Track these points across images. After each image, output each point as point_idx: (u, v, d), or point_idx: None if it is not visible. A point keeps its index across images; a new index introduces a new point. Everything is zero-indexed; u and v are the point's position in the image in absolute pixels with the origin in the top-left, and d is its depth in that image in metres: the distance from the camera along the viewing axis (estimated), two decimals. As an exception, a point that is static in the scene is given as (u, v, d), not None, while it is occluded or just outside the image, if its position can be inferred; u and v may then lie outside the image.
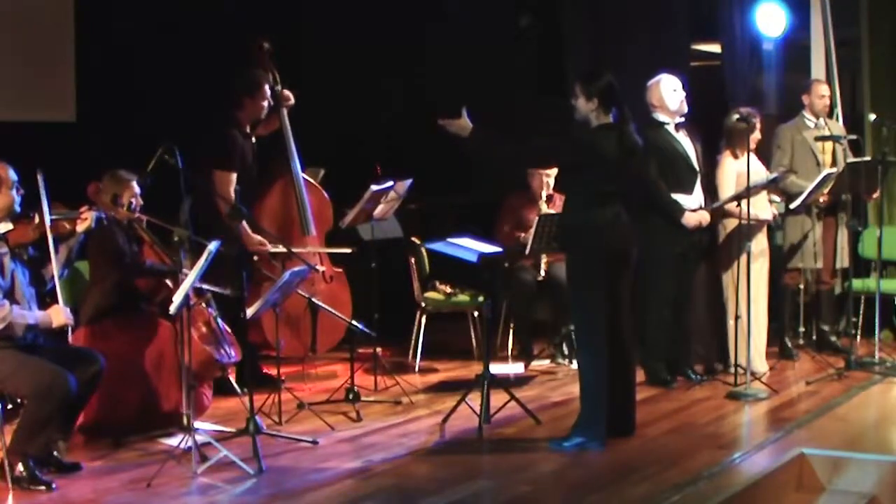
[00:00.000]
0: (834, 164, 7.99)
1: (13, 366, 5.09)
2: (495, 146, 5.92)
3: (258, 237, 6.98)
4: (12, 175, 5.25)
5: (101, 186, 6.00)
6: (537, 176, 7.91)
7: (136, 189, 6.00)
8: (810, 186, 7.64)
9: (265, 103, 7.10)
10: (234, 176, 6.85)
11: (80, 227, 5.46)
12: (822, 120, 8.08)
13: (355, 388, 6.72)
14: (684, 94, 7.14)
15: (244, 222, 6.69)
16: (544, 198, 7.89)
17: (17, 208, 5.28)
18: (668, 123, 7.11)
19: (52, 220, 5.32)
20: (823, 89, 8.13)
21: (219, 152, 6.89)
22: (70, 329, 5.39)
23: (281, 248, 6.94)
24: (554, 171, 7.85)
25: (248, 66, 7.20)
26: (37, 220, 5.29)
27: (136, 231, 6.13)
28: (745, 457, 5.57)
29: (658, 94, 7.11)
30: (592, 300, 5.74)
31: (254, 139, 7.18)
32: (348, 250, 7.32)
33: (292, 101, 7.35)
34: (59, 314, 5.28)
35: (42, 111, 7.77)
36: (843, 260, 8.10)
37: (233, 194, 6.76)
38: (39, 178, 5.27)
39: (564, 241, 6.08)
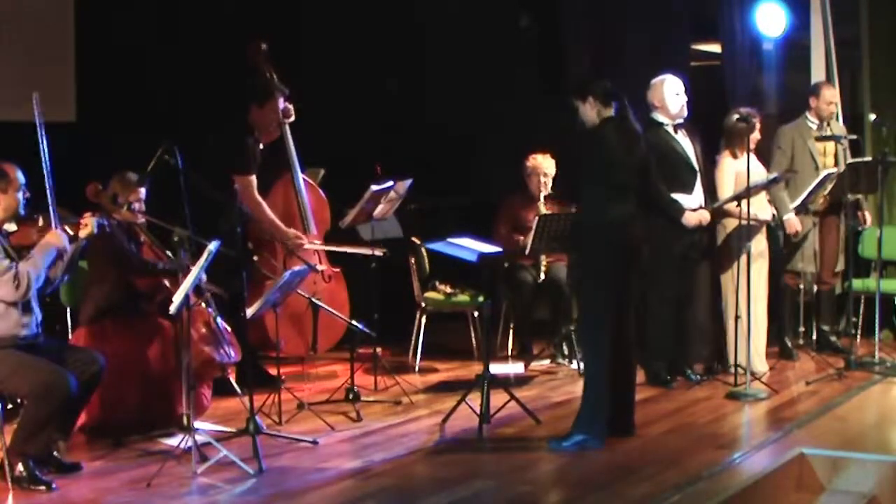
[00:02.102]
0: (836, 164, 7.98)
1: (13, 366, 5.09)
2: None
3: (293, 230, 7.11)
4: (20, 177, 5.27)
5: (101, 187, 6.01)
6: (534, 177, 7.91)
7: (142, 193, 6.01)
8: (810, 186, 7.64)
9: (274, 116, 7.14)
10: (254, 178, 7.00)
11: (83, 233, 5.46)
12: (824, 123, 8.06)
13: (355, 388, 6.73)
14: (686, 98, 7.13)
15: (273, 217, 7.00)
16: (542, 198, 7.88)
17: (22, 211, 5.28)
18: (666, 124, 7.10)
19: (57, 225, 5.31)
20: (832, 95, 8.05)
21: (236, 157, 6.98)
22: (67, 244, 5.31)
23: (317, 245, 7.02)
24: (552, 172, 7.86)
25: (259, 75, 7.20)
26: (40, 223, 5.29)
27: (136, 232, 6.14)
28: (745, 457, 5.57)
29: (660, 95, 7.10)
30: (603, 298, 5.75)
31: (261, 146, 7.23)
32: (380, 252, 7.14)
33: (293, 116, 7.34)
34: (56, 236, 5.21)
35: (42, 111, 7.76)
36: (840, 262, 8.10)
37: (257, 196, 6.85)
38: (48, 184, 5.26)
39: (578, 240, 6.07)
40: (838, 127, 8.37)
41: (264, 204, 7.06)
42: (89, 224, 5.47)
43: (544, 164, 7.87)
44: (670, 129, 7.10)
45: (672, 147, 7.05)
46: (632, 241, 5.83)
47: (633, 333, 5.97)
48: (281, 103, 7.15)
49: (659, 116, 7.11)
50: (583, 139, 5.90)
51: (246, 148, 7.02)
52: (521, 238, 7.64)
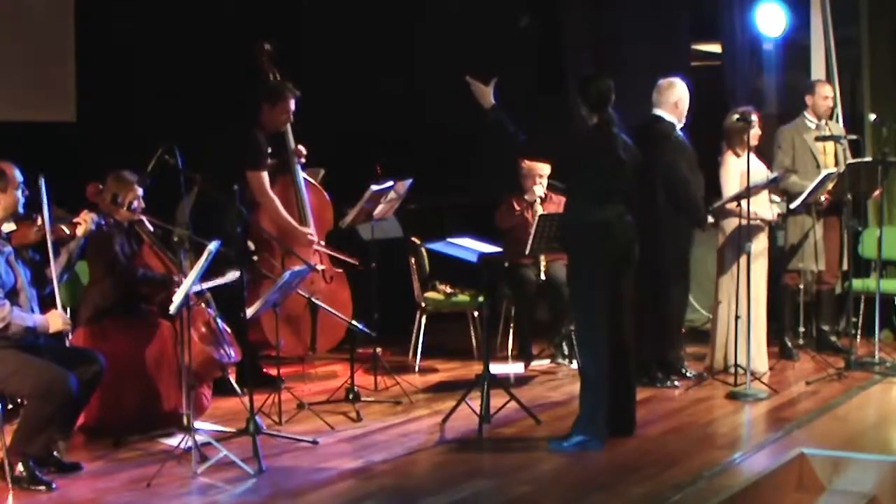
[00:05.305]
0: (836, 164, 7.98)
1: (13, 366, 5.09)
2: (506, 128, 5.97)
3: (306, 229, 7.19)
4: (18, 175, 5.27)
5: (101, 187, 6.01)
6: (529, 179, 7.91)
7: (139, 191, 6.02)
8: (810, 186, 7.64)
9: (284, 116, 7.16)
10: (266, 174, 7.04)
11: (79, 231, 5.47)
12: (823, 121, 8.06)
13: (355, 388, 6.73)
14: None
15: (285, 213, 7.06)
16: (538, 200, 7.89)
17: (21, 209, 5.29)
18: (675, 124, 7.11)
19: (51, 225, 5.32)
20: (827, 91, 8.07)
21: (249, 153, 7.01)
22: (68, 334, 5.38)
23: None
24: (547, 172, 7.85)
25: (263, 74, 7.21)
26: (38, 222, 5.29)
27: (137, 231, 6.14)
28: (745, 457, 5.57)
29: (682, 97, 7.07)
30: (594, 299, 5.75)
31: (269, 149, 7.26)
32: (354, 261, 7.35)
33: (304, 154, 7.35)
34: (58, 320, 5.28)
35: (42, 111, 7.78)
36: (843, 262, 8.10)
37: (270, 191, 6.90)
38: (41, 183, 5.27)
39: (567, 240, 6.09)
40: (837, 127, 8.38)
41: (277, 200, 7.07)
42: (87, 220, 5.48)
43: (539, 166, 7.85)
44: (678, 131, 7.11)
45: (691, 150, 7.09)
46: (622, 241, 5.82)
47: (630, 333, 5.97)
48: (291, 105, 7.17)
49: (670, 117, 7.07)
50: (572, 140, 5.90)
51: (257, 142, 7.05)
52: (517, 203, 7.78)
